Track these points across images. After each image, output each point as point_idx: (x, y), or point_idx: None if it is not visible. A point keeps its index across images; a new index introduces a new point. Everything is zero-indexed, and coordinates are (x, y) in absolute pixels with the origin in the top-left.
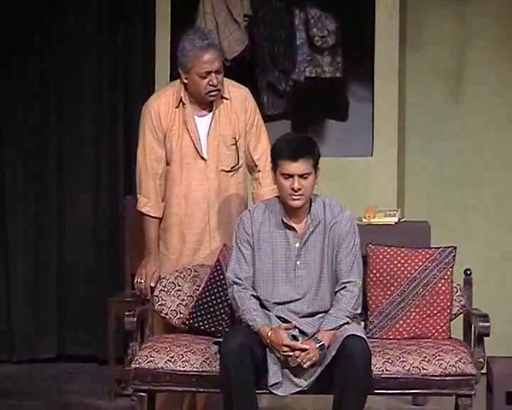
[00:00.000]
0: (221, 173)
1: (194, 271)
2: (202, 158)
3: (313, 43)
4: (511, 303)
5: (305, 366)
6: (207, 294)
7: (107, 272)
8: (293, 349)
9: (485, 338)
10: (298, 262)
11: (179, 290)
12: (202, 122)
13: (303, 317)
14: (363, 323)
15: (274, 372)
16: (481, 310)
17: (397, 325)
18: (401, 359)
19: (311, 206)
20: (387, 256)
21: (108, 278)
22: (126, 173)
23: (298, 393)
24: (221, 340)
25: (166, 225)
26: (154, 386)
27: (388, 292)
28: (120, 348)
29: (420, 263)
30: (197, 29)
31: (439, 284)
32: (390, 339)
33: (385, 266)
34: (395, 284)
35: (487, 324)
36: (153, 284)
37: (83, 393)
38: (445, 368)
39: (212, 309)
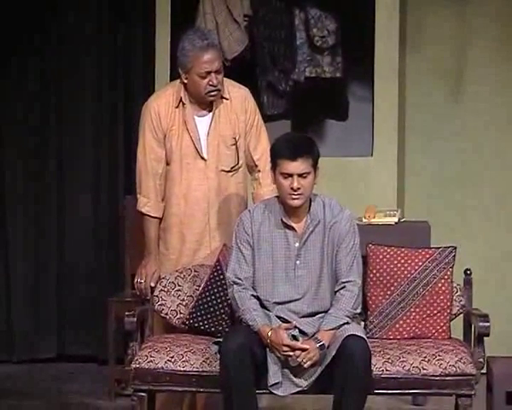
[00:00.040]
0: (221, 173)
1: (194, 271)
2: (202, 158)
3: (313, 43)
4: (511, 303)
5: (305, 365)
6: (207, 294)
7: (107, 272)
8: (293, 349)
9: (485, 338)
10: (297, 262)
11: (179, 290)
12: (202, 122)
13: (303, 317)
14: (363, 323)
15: (274, 372)
16: (481, 310)
17: (397, 325)
18: (401, 359)
19: (310, 205)
20: (387, 256)
21: (108, 278)
22: (126, 173)
23: (298, 393)
24: (221, 340)
25: (166, 225)
26: (154, 386)
27: (388, 292)
28: (120, 348)
29: (420, 263)
30: (197, 29)
31: (439, 284)
32: (390, 339)
33: (385, 266)
34: (395, 283)
35: (487, 324)
36: (153, 284)
37: (83, 393)
38: (445, 368)
39: (212, 309)
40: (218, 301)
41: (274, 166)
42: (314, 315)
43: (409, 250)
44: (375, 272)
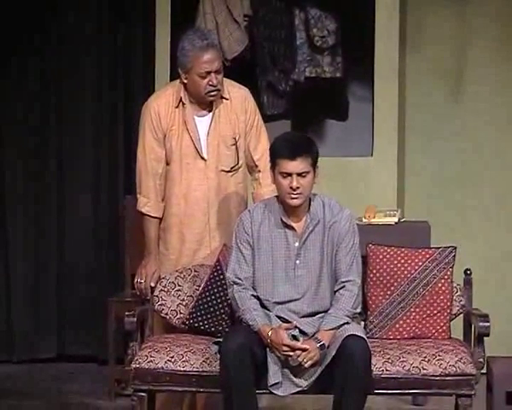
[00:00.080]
0: (221, 173)
1: (195, 271)
2: (202, 158)
3: (313, 43)
4: (511, 303)
5: (306, 365)
6: (207, 294)
7: (107, 272)
8: (293, 349)
9: (485, 338)
10: (297, 262)
11: (179, 290)
12: (202, 122)
13: (303, 317)
14: (363, 323)
15: (274, 372)
16: (481, 310)
17: (397, 325)
18: (401, 359)
19: (310, 205)
20: (387, 256)
21: (108, 278)
22: (126, 173)
23: (298, 393)
24: (221, 340)
25: (166, 225)
26: (154, 386)
27: (388, 292)
28: (120, 348)
29: (420, 263)
30: (197, 29)
31: (439, 284)
32: (390, 339)
33: (385, 266)
34: (395, 283)
35: (487, 324)
36: (153, 284)
37: (83, 393)
38: (445, 368)
39: (212, 309)
40: (218, 301)
41: (273, 166)
42: (314, 315)
43: (409, 250)
44: (375, 272)
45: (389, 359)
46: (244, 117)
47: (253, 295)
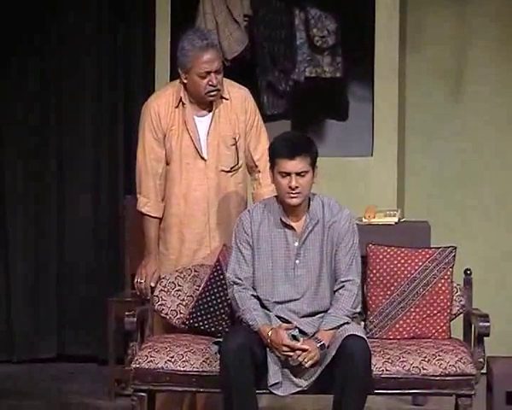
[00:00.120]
0: (221, 173)
1: (195, 271)
2: (202, 158)
3: (313, 43)
4: (511, 303)
5: (306, 365)
6: (207, 294)
7: (107, 272)
8: (293, 349)
9: (485, 338)
10: (297, 261)
11: (179, 290)
12: (202, 122)
13: (303, 316)
14: (363, 323)
15: (274, 372)
16: (481, 310)
17: (397, 325)
18: (401, 359)
19: (309, 205)
20: (387, 256)
21: (108, 278)
22: (126, 173)
23: (298, 393)
24: (221, 340)
25: (166, 225)
26: (154, 386)
27: (388, 292)
28: (120, 348)
29: (420, 263)
30: (196, 29)
31: (439, 284)
32: (390, 339)
33: (385, 266)
34: (395, 283)
35: (487, 324)
36: (153, 284)
37: (83, 393)
38: (445, 368)
39: (212, 309)
40: (218, 301)
41: (272, 166)
42: (314, 315)
43: (409, 250)
44: (375, 272)
45: (389, 359)
46: (244, 117)
47: (252, 295)
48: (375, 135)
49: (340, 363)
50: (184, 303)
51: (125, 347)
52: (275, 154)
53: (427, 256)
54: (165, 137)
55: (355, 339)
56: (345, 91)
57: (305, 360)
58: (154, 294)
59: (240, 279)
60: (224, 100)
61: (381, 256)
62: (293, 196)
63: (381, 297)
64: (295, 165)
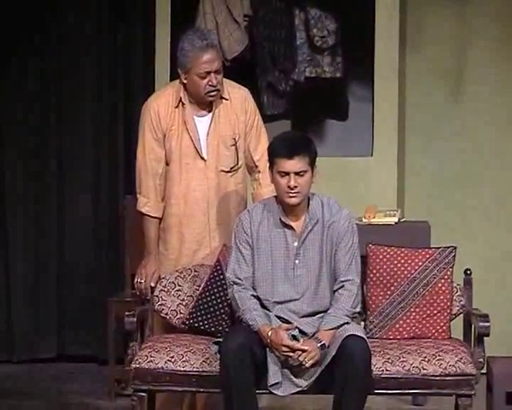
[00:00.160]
0: (220, 174)
1: (195, 271)
2: (202, 158)
3: (313, 43)
4: (511, 303)
5: (307, 365)
6: (207, 294)
7: (107, 272)
8: (292, 350)
9: (485, 338)
10: (296, 261)
11: (179, 290)
12: (202, 122)
13: (303, 316)
14: (363, 323)
15: (274, 372)
16: (481, 310)
17: (397, 325)
18: (401, 359)
19: (309, 204)
20: (387, 256)
21: (108, 278)
22: (126, 173)
23: (298, 393)
24: (221, 340)
25: (166, 225)
26: (154, 386)
27: (388, 292)
28: (120, 348)
29: (420, 263)
30: (196, 29)
31: (439, 284)
32: (390, 339)
33: (385, 266)
34: (395, 283)
35: (487, 324)
36: (153, 284)
37: (83, 393)
38: (445, 368)
39: (212, 309)
40: (218, 301)
41: (271, 165)
42: (314, 315)
43: (409, 250)
44: (375, 272)
45: (389, 359)
46: (244, 117)
47: (252, 295)
48: (375, 135)
49: (340, 363)
50: (184, 303)
51: (125, 347)
52: (274, 153)
53: (427, 256)
54: (165, 138)
55: (355, 339)
56: (345, 91)
57: (306, 359)
58: (154, 294)
59: (240, 279)
60: (223, 100)
61: (381, 256)
62: (292, 195)
63: (381, 297)
64: (294, 164)
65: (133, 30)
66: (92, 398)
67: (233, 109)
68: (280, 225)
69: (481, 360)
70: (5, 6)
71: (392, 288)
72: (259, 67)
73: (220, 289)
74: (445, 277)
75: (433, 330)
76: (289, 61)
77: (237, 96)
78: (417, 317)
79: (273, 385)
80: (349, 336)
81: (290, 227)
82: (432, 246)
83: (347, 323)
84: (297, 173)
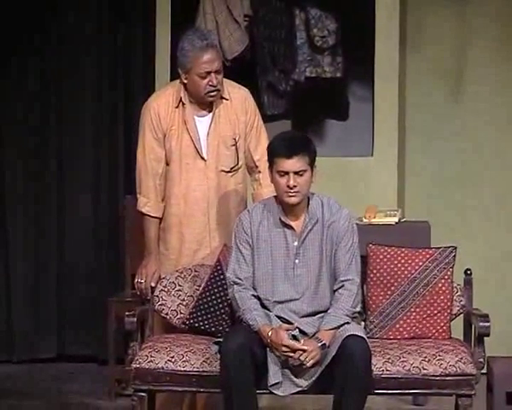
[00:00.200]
0: (220, 174)
1: (195, 271)
2: (202, 158)
3: (313, 43)
4: (511, 303)
5: (308, 364)
6: (208, 294)
7: (107, 272)
8: (292, 350)
9: (486, 338)
10: (296, 261)
11: (179, 290)
12: (202, 122)
13: (303, 316)
14: (363, 323)
15: (274, 372)
16: (481, 310)
17: (397, 325)
18: (401, 359)
19: (308, 204)
20: (388, 256)
21: (108, 278)
22: (126, 173)
23: (298, 393)
24: (221, 340)
25: (166, 225)
26: (154, 386)
27: (389, 292)
28: (120, 348)
29: (420, 263)
30: (196, 29)
31: (440, 284)
32: (390, 339)
33: (385, 266)
34: (395, 283)
35: (487, 324)
36: (153, 284)
37: (83, 393)
38: (446, 368)
39: (212, 309)
40: (219, 301)
41: (271, 165)
42: (314, 315)
43: (409, 250)
44: (375, 272)
45: (389, 359)
46: (244, 118)
47: (253, 295)
48: (376, 135)
49: (340, 363)
50: (185, 303)
51: (125, 347)
52: (273, 153)
53: (428, 256)
54: (165, 138)
55: (355, 339)
56: (345, 91)
57: (307, 359)
58: (155, 294)
59: (240, 279)
60: (224, 100)
61: (381, 256)
62: (291, 194)
63: (381, 297)
64: (293, 164)
65: (133, 30)
66: (92, 398)
67: (233, 109)
68: (280, 225)
69: (481, 360)
70: (5, 6)
71: (393, 288)
72: (260, 67)
73: (220, 289)
74: (446, 277)
75: (434, 331)
76: (289, 61)
77: (237, 97)
78: (417, 317)
79: (273, 385)
80: (349, 336)
81: (290, 227)
82: (432, 246)
83: (348, 323)
84: (296, 173)
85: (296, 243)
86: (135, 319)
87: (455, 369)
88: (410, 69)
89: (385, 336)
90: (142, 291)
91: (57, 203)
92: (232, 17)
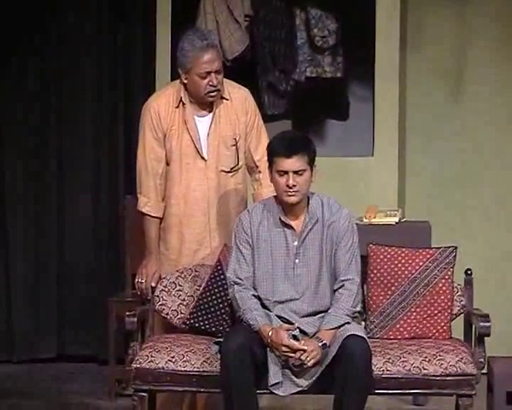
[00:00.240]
0: (221, 174)
1: (195, 271)
2: (202, 158)
3: (314, 43)
4: (511, 303)
5: (309, 364)
6: (208, 294)
7: (107, 272)
8: (293, 350)
9: (486, 338)
10: (296, 260)
11: (180, 290)
12: (202, 122)
13: (303, 316)
14: (363, 323)
15: (274, 372)
16: (482, 310)
17: (397, 325)
18: (402, 359)
19: (308, 204)
20: (388, 256)
21: (108, 278)
22: (126, 173)
23: (298, 393)
24: (221, 340)
25: (166, 225)
26: (154, 386)
27: (389, 292)
28: (121, 348)
29: (420, 263)
30: (196, 29)
31: (440, 284)
32: (391, 339)
33: (385, 266)
34: (396, 283)
35: (488, 324)
36: (153, 284)
37: (83, 393)
38: (446, 368)
39: (212, 309)
40: (219, 301)
41: (270, 164)
42: (314, 315)
43: (409, 250)
44: (375, 272)
45: (390, 359)
46: (245, 118)
47: (253, 295)
48: (376, 135)
49: (340, 363)
50: (185, 303)
51: (125, 347)
52: (272, 152)
53: (428, 256)
54: (166, 138)
55: (355, 339)
56: (345, 91)
57: (308, 358)
58: (155, 294)
59: (240, 279)
60: (224, 100)
61: (381, 256)
62: (290, 194)
63: (381, 297)
64: (292, 163)
65: (133, 30)
66: (92, 398)
67: (233, 109)
68: (280, 225)
69: (482, 359)
70: (5, 6)
71: (393, 288)
72: (260, 66)
73: (221, 289)
74: (446, 277)
75: (434, 330)
76: (290, 61)
77: (238, 97)
78: (418, 317)
79: (274, 385)
80: (350, 335)
81: (290, 227)
82: (432, 246)
83: (348, 323)
84: (295, 172)
85: (296, 243)
86: (135, 319)
87: (455, 369)
88: (411, 69)
89: (385, 336)
90: (143, 291)
91: (57, 203)
92: (233, 17)
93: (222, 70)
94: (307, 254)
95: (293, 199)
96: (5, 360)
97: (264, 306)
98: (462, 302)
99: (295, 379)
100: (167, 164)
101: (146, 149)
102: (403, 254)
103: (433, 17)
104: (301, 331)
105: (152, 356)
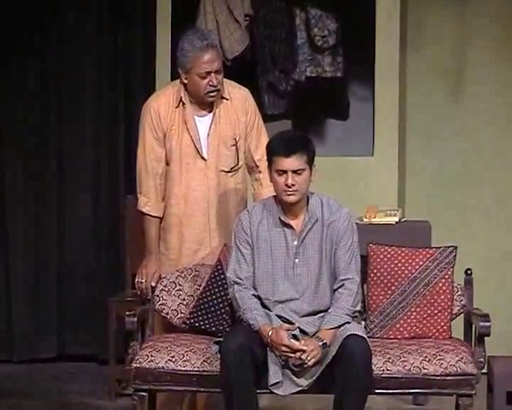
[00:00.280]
0: (221, 174)
1: (195, 270)
2: (202, 158)
3: (314, 42)
4: (511, 303)
5: (309, 363)
6: (208, 293)
7: (107, 272)
8: (293, 350)
9: (486, 338)
10: (296, 260)
11: (180, 290)
12: (202, 122)
13: (303, 316)
14: (363, 322)
15: (274, 372)
16: (482, 310)
17: (397, 325)
18: (402, 358)
19: (308, 203)
20: (388, 256)
21: (108, 278)
22: (126, 173)
23: (298, 392)
24: (221, 340)
25: (166, 224)
26: (154, 386)
27: (389, 292)
28: (121, 348)
29: (420, 263)
30: (196, 29)
31: (440, 284)
32: (391, 339)
33: (385, 266)
34: (396, 283)
35: (488, 323)
36: (153, 284)
37: (83, 393)
38: (446, 368)
39: (212, 309)
40: (219, 300)
41: (269, 164)
42: (315, 314)
43: (409, 250)
44: (375, 271)
45: (390, 358)
46: (245, 118)
47: (253, 294)
48: (376, 135)
49: (340, 363)
50: (185, 303)
51: (125, 346)
52: (272, 152)
53: (428, 256)
54: (166, 137)
55: (355, 339)
56: (345, 91)
57: (308, 358)
58: (155, 293)
59: (240, 279)
60: (224, 100)
61: (381, 256)
62: (289, 193)
63: (381, 297)
64: (291, 163)
65: (133, 30)
66: (92, 398)
67: (233, 109)
68: (279, 225)
69: (482, 359)
70: (5, 6)
71: (393, 287)
72: (260, 66)
73: (221, 288)
74: (446, 276)
75: (434, 330)
76: (290, 60)
77: (238, 97)
78: (418, 317)
79: (274, 385)
80: (350, 335)
81: (290, 226)
82: (432, 246)
83: (348, 322)
84: (294, 172)
85: (296, 243)
86: (135, 319)
87: (455, 369)
88: (411, 69)
89: (385, 336)
90: (143, 291)
91: (57, 203)
92: (233, 17)
93: (222, 70)
94: (307, 253)
95: (292, 198)
96: (5, 359)
97: (264, 305)
98: (462, 302)
99: (295, 379)
100: (167, 164)
101: (146, 148)
102: (403, 254)
103: (433, 17)
104: (301, 331)
105: (152, 356)
